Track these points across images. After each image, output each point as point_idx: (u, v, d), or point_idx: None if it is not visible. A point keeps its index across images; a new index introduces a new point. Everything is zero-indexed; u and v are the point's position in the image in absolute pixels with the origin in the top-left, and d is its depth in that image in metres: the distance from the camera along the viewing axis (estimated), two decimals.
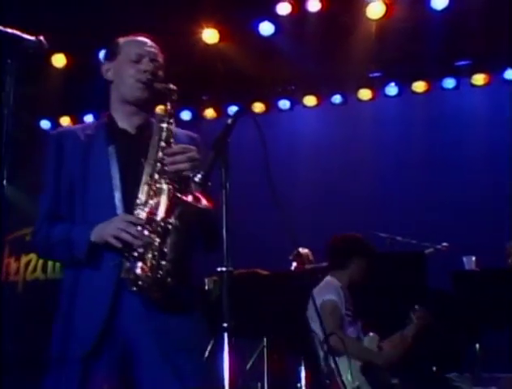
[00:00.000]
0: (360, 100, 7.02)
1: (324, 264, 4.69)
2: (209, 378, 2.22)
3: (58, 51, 6.60)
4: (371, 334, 4.11)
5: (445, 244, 5.15)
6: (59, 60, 6.69)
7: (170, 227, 2.13)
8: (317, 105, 7.23)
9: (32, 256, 7.79)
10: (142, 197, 2.20)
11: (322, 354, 3.97)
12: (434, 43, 6.10)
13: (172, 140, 2.26)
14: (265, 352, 4.25)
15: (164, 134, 2.26)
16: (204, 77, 6.85)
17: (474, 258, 4.72)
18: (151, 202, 2.19)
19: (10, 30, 1.92)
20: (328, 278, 4.26)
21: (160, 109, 2.33)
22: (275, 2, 6.09)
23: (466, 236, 5.74)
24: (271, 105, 7.28)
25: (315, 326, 3.92)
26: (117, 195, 2.24)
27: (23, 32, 1.95)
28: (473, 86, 6.65)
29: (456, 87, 6.74)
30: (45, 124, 7.56)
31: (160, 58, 2.42)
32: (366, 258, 4.24)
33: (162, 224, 2.13)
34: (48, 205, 2.32)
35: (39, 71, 6.54)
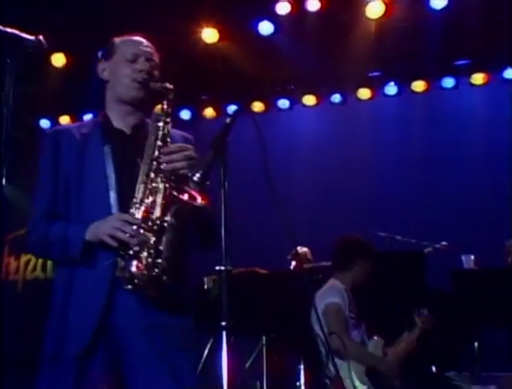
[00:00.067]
0: (359, 100, 7.03)
1: (323, 263, 4.70)
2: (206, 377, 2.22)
3: (58, 50, 6.61)
4: (375, 338, 4.09)
5: (444, 243, 5.15)
6: (59, 59, 6.70)
7: (166, 225, 2.13)
8: (316, 105, 7.24)
9: (32, 255, 7.79)
10: (138, 196, 2.19)
11: (326, 357, 3.96)
12: (433, 42, 6.11)
13: (168, 139, 2.26)
14: (264, 351, 4.26)
15: (160, 134, 2.26)
16: (203, 76, 6.86)
17: (473, 257, 4.73)
18: (146, 200, 2.18)
19: (9, 29, 1.92)
20: (332, 280, 4.24)
21: (157, 108, 2.33)
22: (275, 1, 6.10)
23: (465, 235, 5.74)
24: (271, 105, 7.29)
25: (319, 329, 3.91)
26: (113, 195, 2.23)
27: (22, 31, 1.95)
28: (472, 85, 6.66)
29: (455, 87, 6.75)
30: (45, 123, 7.57)
31: (156, 58, 2.42)
32: (369, 260, 4.23)
33: (158, 222, 2.14)
34: (45, 203, 2.31)
35: (38, 71, 6.54)
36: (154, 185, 2.20)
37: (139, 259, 2.12)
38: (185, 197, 2.15)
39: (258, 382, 4.40)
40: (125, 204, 2.21)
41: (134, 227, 2.13)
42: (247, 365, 4.57)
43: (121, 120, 2.39)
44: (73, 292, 2.20)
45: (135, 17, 5.50)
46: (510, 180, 5.90)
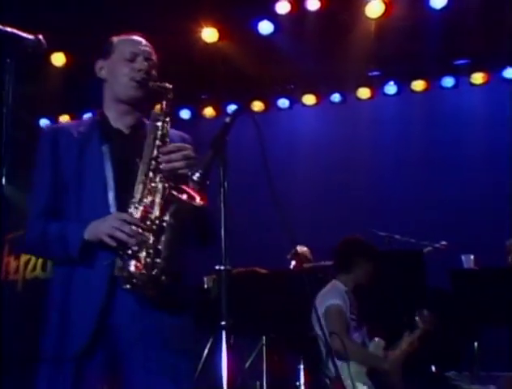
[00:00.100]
0: (359, 99, 7.03)
1: (323, 263, 4.69)
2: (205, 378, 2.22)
3: (58, 50, 6.61)
4: (376, 339, 4.09)
5: (443, 242, 5.15)
6: (58, 59, 6.70)
7: (165, 225, 2.13)
8: (316, 104, 7.24)
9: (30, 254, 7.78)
10: (136, 195, 2.19)
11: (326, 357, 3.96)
12: (433, 42, 6.11)
13: (167, 139, 2.26)
14: (264, 351, 4.26)
15: (159, 133, 2.25)
16: (203, 76, 6.85)
17: (472, 257, 4.72)
18: (145, 200, 2.18)
19: (9, 29, 1.91)
20: (333, 282, 4.24)
21: (156, 108, 2.33)
22: (275, 0, 6.10)
23: (465, 235, 5.75)
24: (270, 104, 7.29)
25: (319, 329, 3.89)
26: (111, 194, 2.22)
27: (22, 31, 1.95)
28: (472, 85, 6.65)
29: (455, 86, 6.75)
30: (45, 123, 7.55)
31: (154, 57, 2.41)
32: (371, 261, 4.22)
33: (157, 222, 2.13)
34: (44, 201, 2.29)
35: (38, 70, 6.53)
36: (153, 184, 2.19)
37: (138, 259, 2.12)
38: (184, 197, 2.15)
39: (257, 382, 4.40)
40: (123, 204, 2.20)
41: (133, 227, 2.12)
42: (247, 364, 4.57)
43: (118, 119, 2.39)
44: (71, 292, 2.19)
45: (135, 17, 5.49)
46: (510, 180, 5.90)
